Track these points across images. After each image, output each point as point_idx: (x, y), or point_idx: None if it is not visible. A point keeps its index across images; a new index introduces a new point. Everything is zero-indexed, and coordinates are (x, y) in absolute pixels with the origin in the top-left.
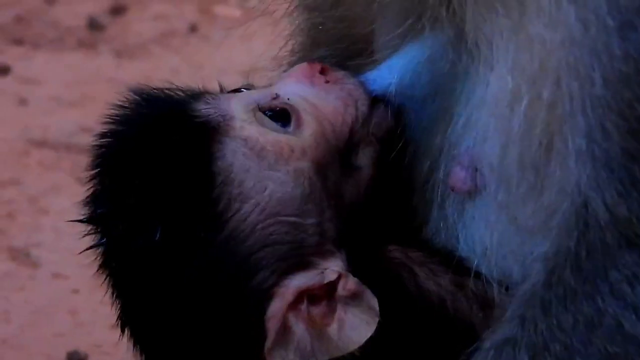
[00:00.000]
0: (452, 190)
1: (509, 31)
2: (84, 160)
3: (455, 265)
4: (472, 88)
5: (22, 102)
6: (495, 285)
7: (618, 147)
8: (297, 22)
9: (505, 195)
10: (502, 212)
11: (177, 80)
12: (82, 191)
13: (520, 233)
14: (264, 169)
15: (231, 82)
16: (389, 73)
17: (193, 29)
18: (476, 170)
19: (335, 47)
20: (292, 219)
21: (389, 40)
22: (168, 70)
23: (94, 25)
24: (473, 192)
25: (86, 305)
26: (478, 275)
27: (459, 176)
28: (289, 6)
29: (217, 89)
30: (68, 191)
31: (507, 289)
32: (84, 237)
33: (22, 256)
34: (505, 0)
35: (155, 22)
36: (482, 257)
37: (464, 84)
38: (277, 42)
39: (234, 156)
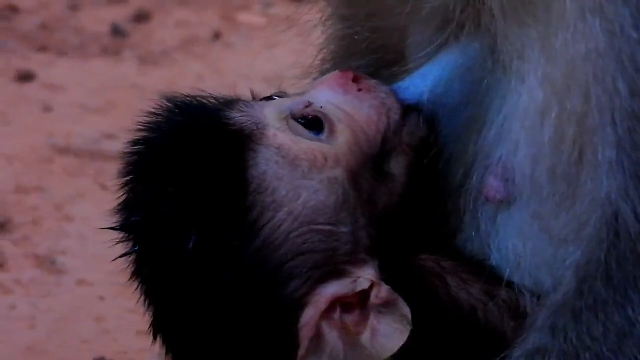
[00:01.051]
0: (487, 199)
1: (538, 44)
2: (109, 167)
3: (487, 274)
4: (504, 99)
5: (47, 109)
6: (526, 294)
7: None
8: (330, 31)
9: (537, 206)
10: (535, 222)
11: (202, 87)
12: (107, 198)
13: (552, 243)
14: (297, 178)
15: (256, 90)
16: (422, 82)
17: (216, 36)
18: (509, 180)
19: (369, 56)
20: (326, 227)
21: (422, 50)
22: (192, 78)
23: (117, 32)
24: (506, 202)
25: (111, 311)
26: (510, 284)
27: (493, 186)
28: (322, 15)
29: (249, 96)
30: (93, 198)
31: (538, 298)
32: (115, 245)
33: (47, 263)
34: (534, 13)
35: (179, 29)
36: (514, 265)
37: (496, 95)
38: (301, 50)
39: (268, 164)
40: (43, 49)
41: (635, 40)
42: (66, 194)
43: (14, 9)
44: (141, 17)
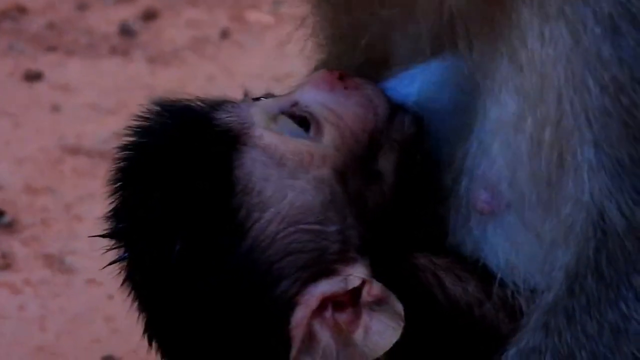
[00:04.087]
0: (475, 208)
1: (506, 57)
2: None
3: (481, 273)
4: (483, 113)
5: (56, 109)
6: (520, 295)
7: (625, 154)
8: (323, 34)
9: (524, 212)
10: (524, 229)
11: (213, 87)
12: None
13: (542, 247)
14: (283, 177)
15: (266, 88)
16: (410, 82)
17: (225, 34)
18: (494, 191)
19: (355, 56)
20: (314, 226)
21: (412, 54)
22: (203, 77)
23: (126, 31)
24: (495, 212)
25: (122, 311)
26: (502, 285)
27: (481, 197)
28: (310, 14)
29: (242, 96)
30: (102, 198)
31: (531, 298)
32: (110, 249)
33: (57, 263)
34: (499, 30)
35: (187, 29)
36: (506, 271)
37: (477, 108)
38: (310, 49)
39: (253, 165)
40: (51, 49)
41: (599, 35)
42: (76, 195)
43: (21, 10)
44: (149, 17)
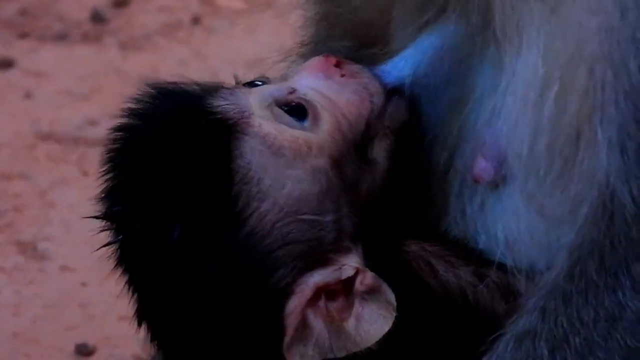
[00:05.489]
0: (476, 182)
1: (542, 17)
2: (92, 153)
3: (476, 256)
4: (497, 77)
5: (28, 95)
6: (518, 274)
7: None
8: (309, 13)
9: (532, 185)
10: (528, 202)
11: (185, 72)
12: (90, 184)
13: (546, 222)
14: (281, 167)
15: (238, 73)
16: (403, 64)
17: (196, 20)
18: (500, 161)
19: (350, 37)
20: (311, 216)
21: (406, 31)
22: (175, 62)
23: (97, 17)
24: (497, 183)
25: (95, 298)
26: (500, 265)
27: (483, 167)
28: None
29: (231, 81)
30: (76, 184)
31: (531, 278)
32: (98, 233)
33: (30, 250)
34: None
35: (159, 14)
36: (505, 247)
37: (484, 74)
38: (282, 32)
39: (253, 154)
40: (24, 35)
41: None
42: (49, 181)
43: None
44: (120, 3)
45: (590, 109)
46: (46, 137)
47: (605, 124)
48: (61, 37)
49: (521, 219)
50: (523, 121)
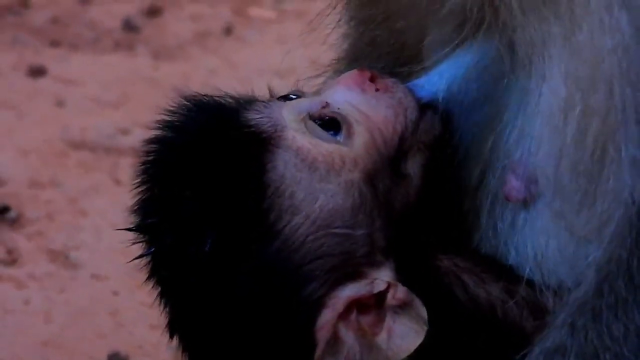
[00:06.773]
0: (507, 199)
1: (560, 39)
2: (123, 161)
3: (506, 272)
4: (524, 97)
5: (60, 103)
6: (547, 292)
7: None
8: (346, 31)
9: (559, 204)
10: (557, 220)
11: (216, 81)
12: (121, 192)
13: (573, 240)
14: (315, 181)
15: (268, 84)
16: (438, 80)
17: (228, 30)
18: (530, 179)
19: (385, 54)
20: (343, 230)
21: (439, 49)
22: (206, 71)
23: (129, 26)
24: (527, 201)
25: (126, 306)
26: (529, 282)
27: (513, 185)
28: (339, 17)
29: (264, 92)
30: (107, 192)
31: (560, 295)
32: (131, 245)
33: (61, 258)
34: (555, 8)
35: (191, 23)
36: (534, 264)
37: (515, 93)
38: (313, 44)
39: (286, 167)
40: (55, 43)
41: None
42: (80, 189)
43: (24, 4)
44: (153, 12)
45: (613, 128)
46: (77, 145)
47: (627, 143)
48: (92, 45)
49: (550, 237)
50: (549, 141)
